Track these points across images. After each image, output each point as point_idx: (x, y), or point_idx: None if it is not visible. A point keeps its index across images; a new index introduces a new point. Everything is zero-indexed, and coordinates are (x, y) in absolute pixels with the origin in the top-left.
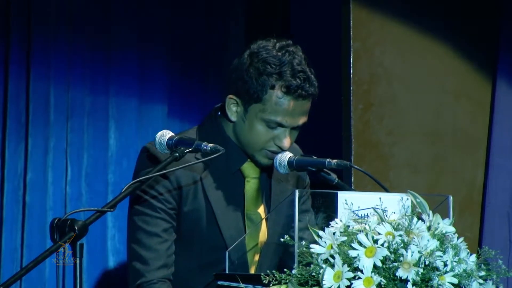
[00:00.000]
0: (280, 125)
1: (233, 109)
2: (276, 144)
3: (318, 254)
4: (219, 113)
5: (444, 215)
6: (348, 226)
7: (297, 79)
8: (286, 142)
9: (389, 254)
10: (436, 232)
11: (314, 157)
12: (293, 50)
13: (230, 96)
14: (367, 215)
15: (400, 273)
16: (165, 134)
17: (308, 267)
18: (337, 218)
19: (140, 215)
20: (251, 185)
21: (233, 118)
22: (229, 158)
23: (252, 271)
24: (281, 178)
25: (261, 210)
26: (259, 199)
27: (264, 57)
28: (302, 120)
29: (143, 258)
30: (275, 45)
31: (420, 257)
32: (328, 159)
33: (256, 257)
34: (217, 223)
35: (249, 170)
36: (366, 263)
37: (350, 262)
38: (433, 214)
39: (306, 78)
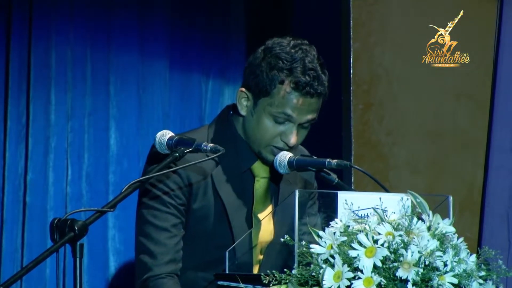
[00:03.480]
0: (288, 118)
1: (243, 103)
2: (282, 140)
3: (318, 254)
4: (231, 112)
5: (444, 215)
6: (348, 226)
7: (306, 76)
8: (293, 138)
9: (389, 254)
10: (436, 232)
11: (314, 157)
12: (306, 49)
13: (241, 89)
14: (367, 215)
15: (400, 273)
16: (165, 134)
17: (308, 267)
18: (337, 218)
19: (149, 209)
20: (260, 185)
21: (243, 112)
22: (239, 157)
23: (256, 269)
24: (289, 179)
25: (269, 210)
26: (268, 199)
27: (277, 52)
28: (310, 116)
29: (151, 252)
30: (290, 42)
31: (420, 257)
32: (328, 159)
33: (260, 256)
34: (228, 221)
35: (259, 170)
36: (366, 263)
37: (350, 262)
38: (433, 214)
39: (316, 77)
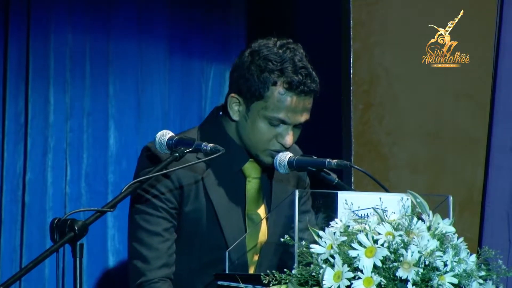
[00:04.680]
0: (283, 122)
1: (235, 108)
2: (279, 142)
3: (318, 254)
4: (221, 112)
5: (444, 215)
6: (348, 226)
7: (298, 75)
8: (289, 139)
9: (389, 254)
10: (436, 232)
11: (314, 157)
12: (293, 47)
13: (232, 95)
14: (367, 215)
15: (400, 273)
16: (165, 134)
17: (308, 267)
18: (337, 218)
19: (141, 214)
20: (252, 185)
21: (235, 117)
22: (230, 158)
23: (252, 271)
24: (282, 178)
25: (262, 210)
26: (260, 199)
27: (265, 54)
28: (304, 117)
29: (144, 257)
30: (276, 43)
31: (420, 257)
32: (328, 159)
33: (256, 257)
34: (218, 223)
35: (251, 170)
36: (366, 263)
37: (350, 262)
38: (433, 214)
39: (308, 74)
